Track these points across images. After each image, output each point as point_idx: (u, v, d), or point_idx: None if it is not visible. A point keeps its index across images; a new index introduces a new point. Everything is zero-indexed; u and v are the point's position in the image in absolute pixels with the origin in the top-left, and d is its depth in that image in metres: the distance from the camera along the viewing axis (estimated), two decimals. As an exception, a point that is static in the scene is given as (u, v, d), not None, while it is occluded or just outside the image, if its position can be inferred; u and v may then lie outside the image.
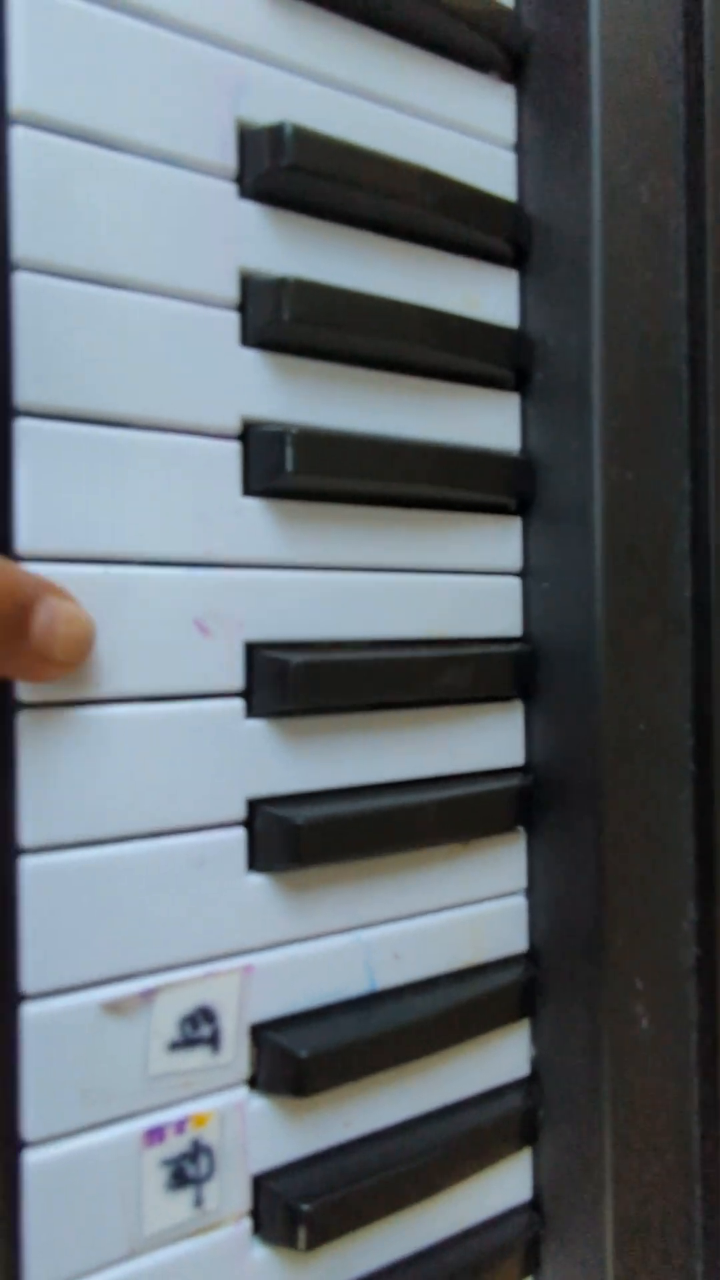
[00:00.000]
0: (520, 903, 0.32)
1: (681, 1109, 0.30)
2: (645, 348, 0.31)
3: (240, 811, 0.26)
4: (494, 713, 0.31)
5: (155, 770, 0.24)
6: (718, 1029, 0.30)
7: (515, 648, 0.31)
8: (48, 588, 0.22)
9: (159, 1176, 0.24)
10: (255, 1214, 0.26)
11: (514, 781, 0.31)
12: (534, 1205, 0.31)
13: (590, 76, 0.30)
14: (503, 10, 0.31)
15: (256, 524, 0.26)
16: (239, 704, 0.26)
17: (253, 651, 0.26)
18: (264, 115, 0.26)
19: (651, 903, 0.30)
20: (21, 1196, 0.22)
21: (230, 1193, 0.25)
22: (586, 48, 0.30)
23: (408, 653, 0.28)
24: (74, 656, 0.22)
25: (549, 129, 0.32)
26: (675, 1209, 0.30)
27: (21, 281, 0.23)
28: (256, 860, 0.26)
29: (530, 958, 0.31)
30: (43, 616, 0.21)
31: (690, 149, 0.32)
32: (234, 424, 0.26)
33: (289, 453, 0.26)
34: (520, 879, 0.32)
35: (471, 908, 0.30)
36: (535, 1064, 0.31)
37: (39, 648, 0.21)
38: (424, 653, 0.29)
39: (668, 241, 0.32)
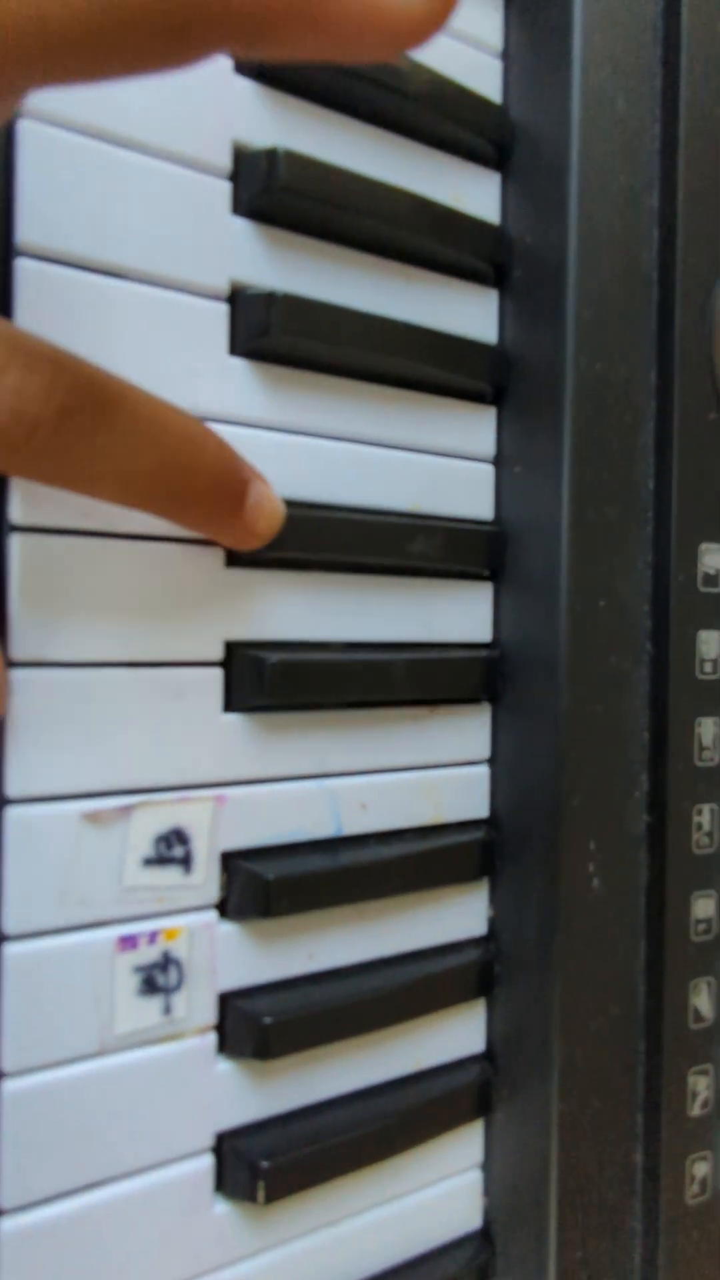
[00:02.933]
0: (483, 771, 0.33)
1: (628, 966, 0.32)
2: (618, 249, 0.33)
3: (218, 651, 0.27)
4: (465, 589, 0.33)
5: (141, 604, 0.26)
6: (664, 892, 0.32)
7: (484, 527, 0.33)
8: (256, 473, 0.26)
9: (131, 981, 0.26)
10: (220, 1030, 0.27)
11: (482, 654, 0.33)
12: (487, 1055, 0.33)
13: (574, -14, 0.32)
14: None
15: (242, 383, 0.28)
16: (219, 553, 0.27)
17: (234, 504, 0.27)
18: None
19: (607, 773, 0.32)
20: (1, 985, 0.24)
21: (197, 1006, 0.27)
22: (571, -42, 0.32)
23: (377, 518, 0.30)
24: (269, 534, 0.26)
25: (534, 37, 0.33)
26: (618, 1060, 0.32)
27: (26, 129, 0.24)
28: (232, 699, 0.27)
29: (491, 824, 0.33)
30: (252, 497, 0.25)
31: (666, 61, 0.33)
32: (223, 286, 0.27)
33: (275, 314, 0.27)
34: (484, 749, 0.33)
35: (436, 771, 0.32)
36: (492, 923, 0.33)
37: (248, 522, 0.25)
38: (393, 520, 0.30)
39: (642, 149, 0.33)
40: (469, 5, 0.33)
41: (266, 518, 0.26)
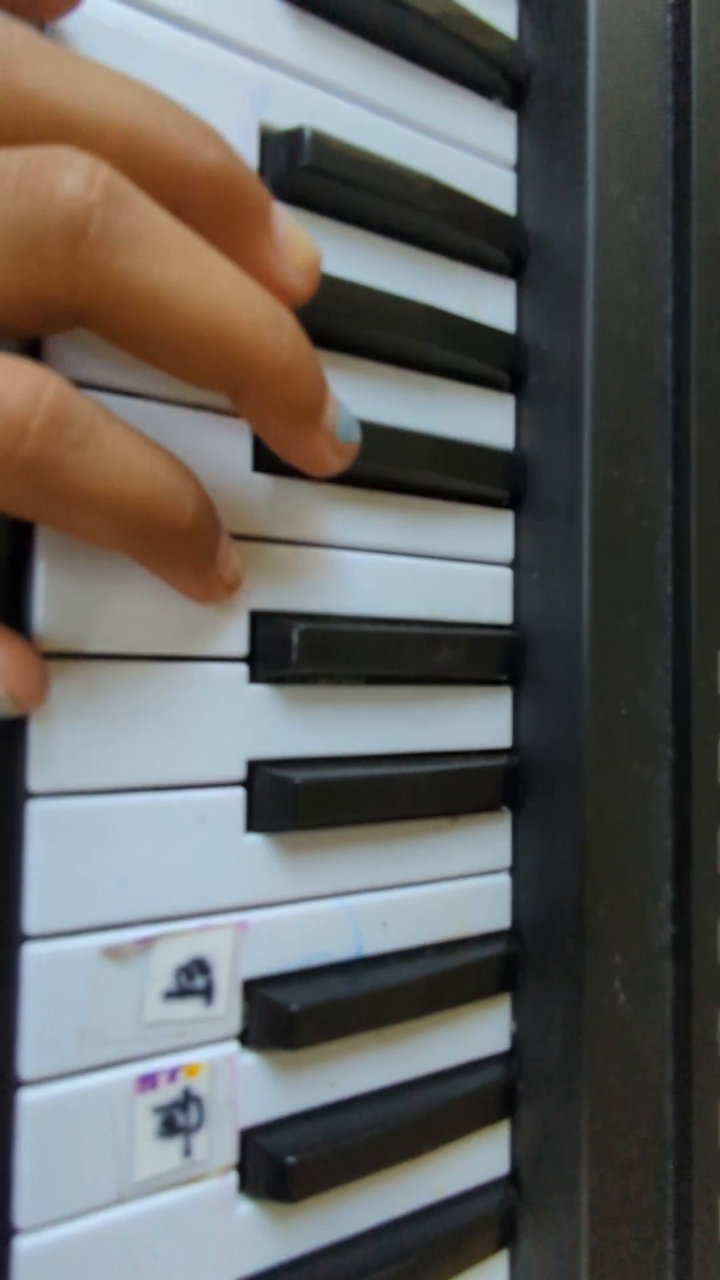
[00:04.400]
0: (504, 881, 0.33)
1: (655, 1084, 0.31)
2: (633, 357, 0.33)
3: (240, 771, 0.27)
4: (484, 695, 0.32)
5: (159, 725, 0.25)
6: (691, 1005, 0.31)
7: (505, 633, 0.33)
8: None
9: (150, 1123, 0.25)
10: (241, 1168, 0.26)
11: (502, 761, 0.32)
12: (512, 1179, 0.32)
13: (587, 107, 0.33)
14: (507, 41, 0.34)
15: (260, 498, 0.28)
16: (243, 669, 0.27)
17: (257, 619, 0.27)
18: (284, 121, 0.28)
19: (630, 882, 0.31)
20: (16, 1135, 0.23)
21: (218, 1145, 0.26)
22: (584, 81, 0.33)
23: (405, 629, 0.29)
24: (237, 585, 0.26)
25: (547, 153, 0.34)
26: (648, 1183, 0.31)
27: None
28: (254, 820, 0.27)
29: (513, 935, 0.32)
30: (224, 544, 0.25)
31: (677, 176, 0.34)
32: (247, 403, 0.27)
33: (299, 431, 0.27)
34: (505, 857, 0.33)
35: (457, 882, 0.31)
36: (515, 1039, 0.32)
37: (220, 568, 0.25)
38: (420, 630, 0.30)
39: (655, 260, 0.34)
40: (483, 119, 0.34)
41: (234, 567, 0.25)
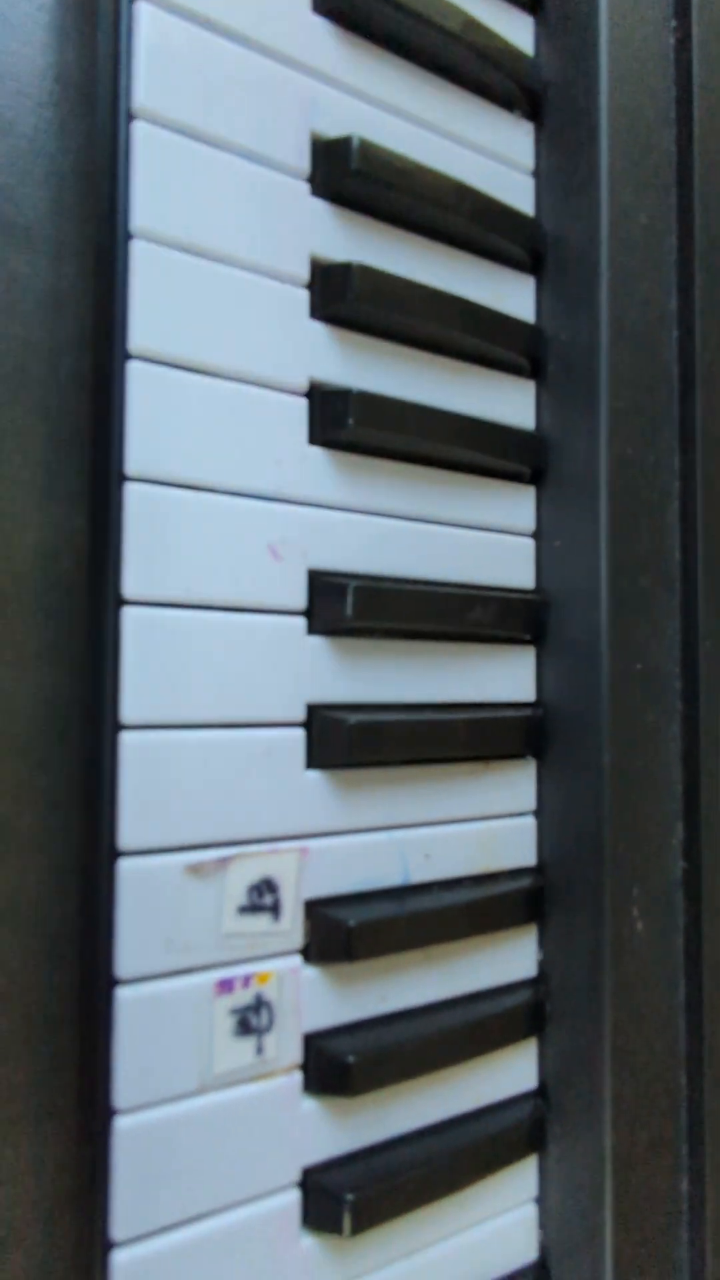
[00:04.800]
0: (530, 822, 0.36)
1: (669, 1002, 0.35)
2: (643, 346, 0.36)
3: (301, 713, 0.30)
4: (510, 653, 0.35)
5: (233, 670, 0.28)
6: (702, 931, 0.34)
7: (528, 596, 0.36)
8: None
9: (228, 1023, 0.27)
10: (304, 1068, 0.29)
11: (527, 713, 0.35)
12: (540, 1092, 0.35)
13: (599, 119, 0.36)
14: (524, 57, 0.37)
15: (319, 469, 0.31)
16: (302, 621, 0.30)
17: (314, 578, 0.30)
18: (332, 130, 0.31)
19: (645, 821, 0.35)
20: (115, 1028, 0.26)
21: (285, 1045, 0.29)
22: (596, 95, 0.36)
23: (441, 589, 0.33)
24: None
25: (562, 159, 0.37)
26: (663, 1090, 0.34)
27: (137, 247, 0.27)
28: (313, 757, 0.30)
29: (538, 871, 0.35)
30: None
31: (681, 181, 0.37)
32: (303, 383, 0.30)
33: (351, 408, 0.30)
34: (530, 801, 0.36)
35: (489, 822, 0.34)
36: (542, 965, 0.35)
37: None
38: (454, 591, 0.33)
39: (662, 257, 0.37)
40: (504, 129, 0.37)
41: None
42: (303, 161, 0.31)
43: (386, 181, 0.32)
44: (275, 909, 0.29)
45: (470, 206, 0.34)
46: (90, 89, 0.28)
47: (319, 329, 0.31)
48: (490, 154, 0.36)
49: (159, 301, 0.27)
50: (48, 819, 0.26)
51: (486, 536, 0.35)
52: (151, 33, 0.27)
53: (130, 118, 0.27)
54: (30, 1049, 0.26)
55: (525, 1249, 0.34)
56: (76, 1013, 0.26)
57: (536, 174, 0.38)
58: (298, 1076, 0.29)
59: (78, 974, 0.26)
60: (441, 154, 0.35)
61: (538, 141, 0.38)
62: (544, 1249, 0.35)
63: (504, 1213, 0.34)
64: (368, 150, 0.31)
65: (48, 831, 0.26)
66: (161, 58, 0.28)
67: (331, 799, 0.30)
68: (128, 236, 0.27)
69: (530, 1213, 0.35)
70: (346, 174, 0.31)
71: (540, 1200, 0.35)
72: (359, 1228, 0.28)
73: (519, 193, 0.37)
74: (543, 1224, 0.35)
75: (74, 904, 0.26)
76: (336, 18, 0.32)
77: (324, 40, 0.32)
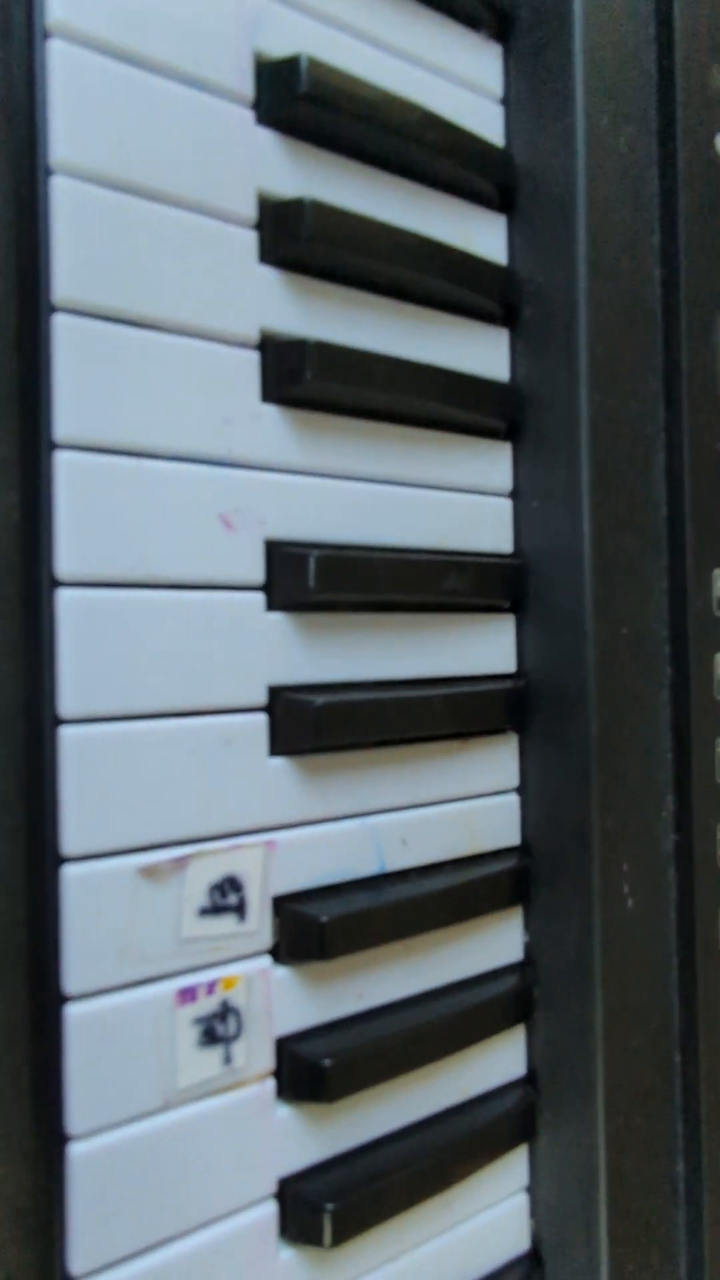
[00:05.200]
0: (513, 800, 0.34)
1: (662, 980, 0.33)
2: (624, 287, 0.34)
3: (262, 697, 0.27)
4: (489, 622, 0.33)
5: (185, 653, 0.26)
6: (695, 906, 0.33)
7: (507, 560, 0.33)
8: None
9: (191, 1034, 0.25)
10: (278, 1074, 0.27)
11: (507, 685, 0.33)
12: (529, 1080, 0.33)
13: (573, 38, 0.33)
14: (491, -29, 0.34)
15: (274, 428, 0.28)
16: (260, 597, 0.27)
17: (273, 549, 0.28)
18: (278, 50, 0.28)
19: (635, 794, 0.33)
20: (64, 1048, 0.24)
21: (256, 1052, 0.27)
22: (570, 11, 0.33)
23: (413, 556, 0.30)
24: None
25: (534, 85, 0.34)
26: (657, 1072, 0.33)
27: (59, 185, 0.24)
28: (277, 743, 0.28)
29: (523, 851, 0.34)
30: None
31: (662, 105, 0.35)
32: (253, 334, 0.27)
33: (307, 361, 0.27)
34: (513, 778, 0.34)
35: (470, 802, 0.32)
36: (528, 949, 0.34)
37: None
38: (427, 558, 0.31)
39: (644, 189, 0.34)
40: (470, 52, 0.34)
41: None
42: (245, 85, 0.28)
43: (340, 107, 0.29)
44: (240, 908, 0.27)
45: (435, 137, 0.31)
46: (3, 6, 0.25)
47: (269, 274, 0.28)
48: (456, 79, 0.33)
49: (85, 245, 0.24)
50: (-15, 823, 0.24)
51: (460, 498, 0.33)
52: (67, -63, 0.24)
53: (46, 35, 0.24)
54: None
55: (517, 1240, 0.33)
56: (27, 1028, 0.24)
57: (505, 101, 0.35)
58: (270, 1084, 0.27)
59: (25, 986, 0.24)
60: (401, 78, 0.32)
61: (506, 65, 0.35)
62: (536, 1239, 0.33)
63: (494, 1205, 0.32)
64: (318, 71, 0.28)
65: (-14, 836, 0.24)
66: (79, -35, 0.24)
67: (298, 787, 0.28)
68: (48, 172, 0.24)
69: (521, 1202, 0.33)
70: (295, 98, 0.28)
71: (531, 1190, 0.33)
72: (341, 1237, 0.27)
73: (487, 121, 0.34)
74: (534, 1213, 0.33)
75: (19, 911, 0.24)
76: None
77: (265, -53, 0.28)
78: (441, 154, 0.32)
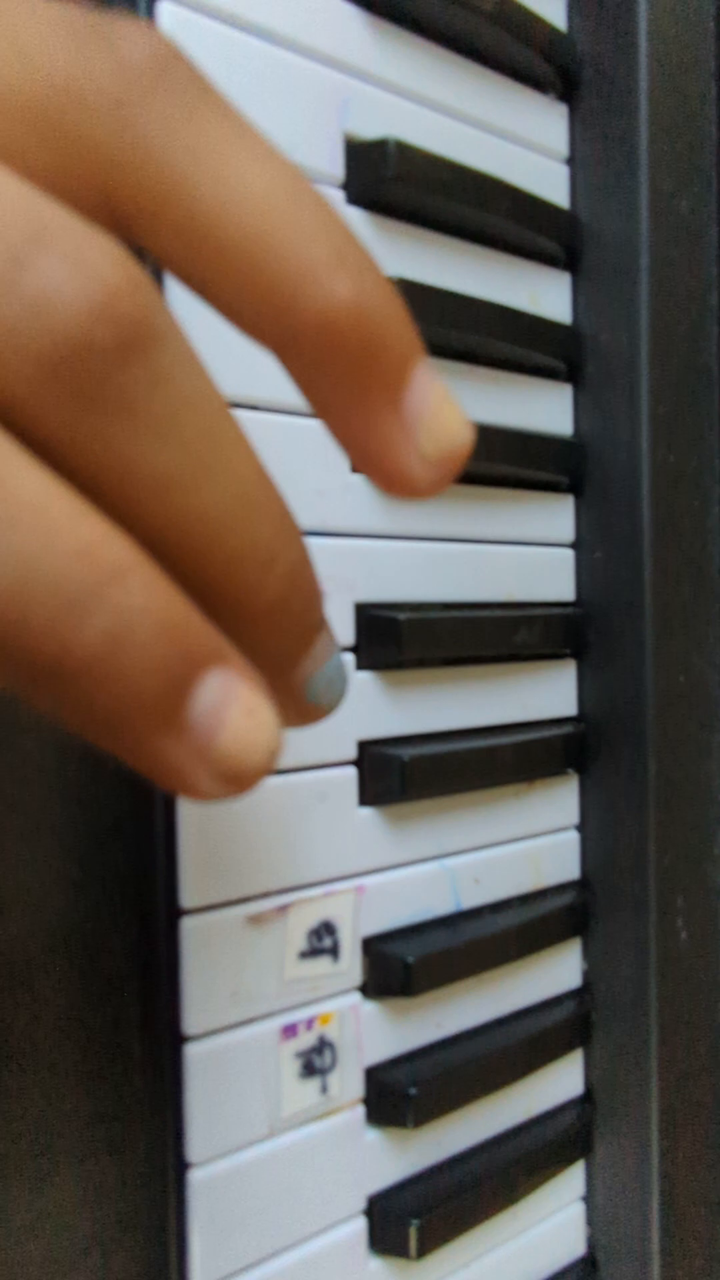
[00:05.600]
0: (573, 837, 0.36)
1: (714, 1005, 0.35)
2: (684, 345, 0.35)
3: (353, 751, 0.29)
4: (552, 668, 0.35)
5: (283, 715, 0.28)
6: (745, 940, 0.35)
7: (570, 610, 0.35)
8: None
9: (293, 1067, 0.28)
10: (367, 1101, 0.29)
11: (569, 729, 0.35)
12: (586, 1098, 0.36)
13: (639, 100, 0.34)
14: (559, 34, 0.35)
15: (362, 497, 0.29)
16: (350, 658, 0.29)
17: (362, 611, 0.29)
18: (365, 130, 0.30)
19: (688, 832, 0.35)
20: (184, 1084, 0.26)
21: (348, 1082, 0.29)
22: (635, 74, 0.34)
23: (486, 612, 0.32)
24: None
25: (599, 146, 0.35)
26: (708, 1092, 0.35)
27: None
28: (365, 794, 0.29)
29: (583, 885, 0.36)
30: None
31: (723, 167, 0.36)
32: (345, 408, 0.29)
33: (395, 435, 0.29)
34: (573, 815, 0.36)
35: (535, 840, 0.34)
36: (587, 976, 0.36)
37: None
38: (499, 613, 0.32)
39: (704, 250, 0.36)
40: (536, 113, 0.35)
41: (235, 749, 0.13)
42: (337, 168, 0.29)
43: (423, 185, 0.30)
44: (334, 950, 0.29)
45: (508, 205, 0.33)
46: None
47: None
48: (524, 142, 0.35)
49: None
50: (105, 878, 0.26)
51: (527, 551, 0.34)
52: (172, 30, 0.25)
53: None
54: (90, 1084, 0.26)
55: (574, 1246, 0.35)
56: (141, 1056, 0.26)
57: (571, 160, 0.36)
58: (360, 1110, 0.29)
59: (140, 1016, 0.26)
60: (473, 144, 0.33)
61: (571, 125, 0.36)
62: (591, 1244, 0.36)
63: (554, 1213, 0.35)
64: (405, 153, 0.29)
65: (112, 881, 0.26)
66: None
67: (384, 835, 0.30)
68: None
69: (578, 1211, 0.36)
70: (383, 180, 0.29)
71: (587, 1198, 0.36)
72: (425, 1249, 0.29)
73: (553, 181, 0.36)
74: (590, 1220, 0.36)
75: (141, 960, 0.26)
76: (367, 4, 0.29)
77: (356, 30, 0.29)
78: (513, 220, 0.33)
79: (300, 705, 0.17)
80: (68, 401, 0.12)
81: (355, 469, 0.20)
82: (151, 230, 0.14)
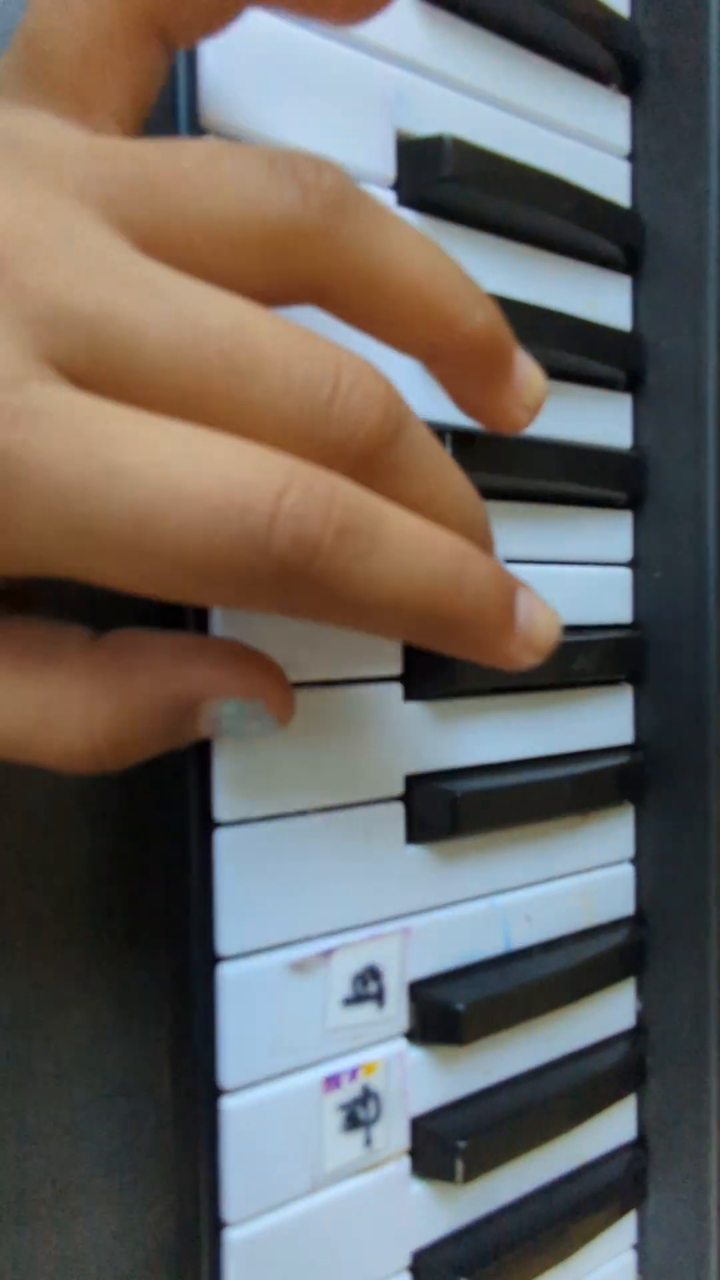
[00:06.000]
0: (628, 870, 0.34)
1: (777, 1056, 0.33)
2: (751, 351, 0.33)
3: (400, 786, 0.28)
4: (608, 695, 0.33)
5: (326, 747, 0.26)
6: None
7: (629, 633, 0.33)
8: (521, 584, 0.22)
9: (336, 1119, 0.26)
10: (413, 1153, 0.28)
11: (626, 758, 0.33)
12: (639, 1143, 0.34)
13: (709, 92, 0.32)
14: (623, 21, 0.33)
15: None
16: (398, 688, 0.28)
17: (410, 638, 0.28)
18: (419, 127, 0.28)
19: (751, 869, 0.33)
20: (221, 1139, 0.24)
21: (393, 1133, 0.27)
22: (707, 62, 0.32)
23: (542, 639, 0.30)
24: (545, 651, 0.22)
25: (664, 141, 0.33)
26: (770, 1146, 0.33)
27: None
28: (414, 831, 0.28)
29: (637, 920, 0.34)
30: (523, 613, 0.22)
31: None
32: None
33: (446, 441, 0.27)
34: (628, 848, 0.34)
35: (588, 875, 0.33)
36: (640, 1016, 0.34)
37: (522, 641, 0.22)
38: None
39: (774, 250, 0.33)
40: (596, 106, 0.33)
41: (542, 634, 0.22)
42: (388, 168, 0.27)
43: (483, 186, 0.28)
44: (380, 996, 0.27)
45: (567, 206, 0.31)
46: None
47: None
48: (584, 137, 0.33)
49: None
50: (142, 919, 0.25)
51: (583, 571, 0.32)
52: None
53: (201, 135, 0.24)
54: (123, 1138, 0.25)
55: (625, 1297, 0.34)
56: (175, 1112, 0.25)
57: (632, 156, 0.34)
58: (405, 1162, 0.28)
59: (182, 1082, 0.25)
60: (530, 140, 0.31)
61: (634, 119, 0.34)
62: (643, 1296, 0.34)
63: (605, 1262, 0.33)
64: (461, 151, 0.27)
65: (147, 923, 0.25)
66: (228, 58, 0.24)
67: (432, 873, 0.28)
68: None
69: (629, 1260, 0.34)
70: (438, 180, 0.27)
71: (639, 1247, 0.34)
72: (472, 1309, 0.28)
73: (614, 178, 0.34)
74: (641, 1270, 0.34)
75: (176, 1009, 0.25)
76: (423, -7, 0.28)
77: (408, 19, 0.28)
78: (573, 221, 0.31)
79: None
80: (377, 474, 0.19)
81: (474, 420, 0.24)
82: (345, 301, 0.20)
